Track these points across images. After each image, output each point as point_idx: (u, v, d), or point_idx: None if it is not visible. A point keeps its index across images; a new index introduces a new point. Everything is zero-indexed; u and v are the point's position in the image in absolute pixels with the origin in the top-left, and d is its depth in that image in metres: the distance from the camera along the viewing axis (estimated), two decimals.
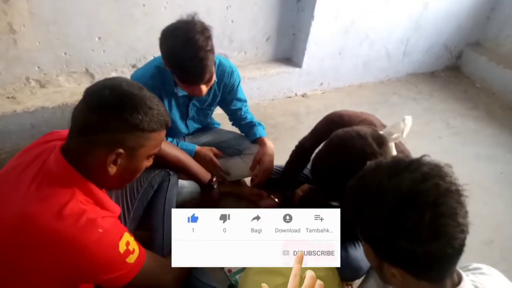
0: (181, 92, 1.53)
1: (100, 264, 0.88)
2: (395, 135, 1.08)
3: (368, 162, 0.82)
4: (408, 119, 1.11)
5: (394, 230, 0.72)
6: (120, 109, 0.88)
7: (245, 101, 1.79)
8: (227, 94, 1.70)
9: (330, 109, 2.62)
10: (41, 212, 0.84)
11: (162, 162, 1.36)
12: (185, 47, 1.28)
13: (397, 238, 0.72)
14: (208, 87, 1.46)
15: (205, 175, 1.50)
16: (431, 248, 0.70)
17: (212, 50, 1.34)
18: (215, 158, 1.72)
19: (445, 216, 0.70)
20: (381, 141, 1.06)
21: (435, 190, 0.71)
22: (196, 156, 1.65)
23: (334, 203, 1.34)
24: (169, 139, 1.66)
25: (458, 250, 0.72)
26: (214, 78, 1.47)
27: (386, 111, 2.75)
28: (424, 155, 0.79)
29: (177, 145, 1.65)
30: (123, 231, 0.94)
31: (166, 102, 1.56)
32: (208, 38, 1.33)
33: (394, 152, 1.12)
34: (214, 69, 1.41)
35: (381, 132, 1.13)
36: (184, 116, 1.68)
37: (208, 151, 1.71)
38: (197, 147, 1.69)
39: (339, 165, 1.06)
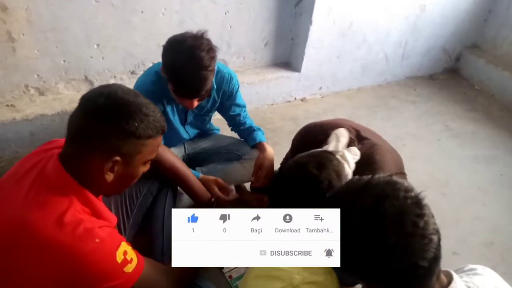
0: None
1: (97, 274, 0.88)
2: (338, 151, 1.19)
3: (327, 194, 0.85)
4: (340, 132, 1.20)
5: (364, 255, 0.73)
6: (116, 116, 0.88)
7: (244, 106, 1.79)
8: (226, 100, 1.70)
9: (329, 113, 2.67)
10: (39, 219, 0.85)
11: (163, 175, 1.36)
12: (189, 62, 1.29)
13: (370, 261, 0.72)
14: (199, 102, 1.46)
15: (204, 194, 1.48)
16: (404, 266, 0.70)
17: (213, 71, 1.36)
18: (218, 192, 1.56)
19: (407, 235, 0.69)
20: (322, 164, 1.14)
21: (391, 211, 0.70)
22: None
23: None
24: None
25: (433, 259, 0.71)
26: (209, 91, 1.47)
27: (385, 114, 2.75)
28: (377, 173, 0.79)
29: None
30: (120, 240, 0.94)
31: (168, 108, 1.56)
32: (213, 58, 1.34)
33: (351, 161, 1.19)
34: (210, 87, 1.42)
35: (330, 149, 1.22)
36: (183, 121, 1.69)
37: (211, 182, 1.56)
38: (201, 176, 1.57)
39: (289, 197, 1.17)
